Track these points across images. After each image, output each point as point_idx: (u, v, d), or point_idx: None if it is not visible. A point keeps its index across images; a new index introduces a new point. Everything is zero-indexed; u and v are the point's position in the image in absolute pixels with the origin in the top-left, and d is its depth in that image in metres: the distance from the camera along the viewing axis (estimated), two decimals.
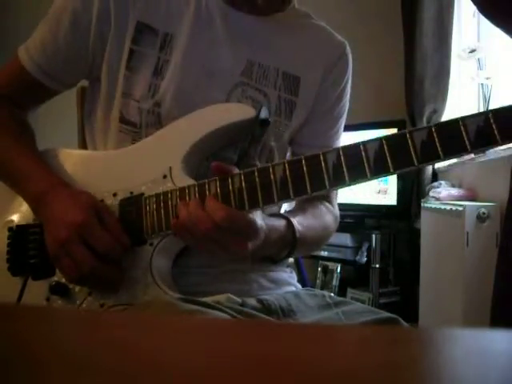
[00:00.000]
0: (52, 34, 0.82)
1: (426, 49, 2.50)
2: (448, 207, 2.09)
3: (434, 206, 2.23)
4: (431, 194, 2.33)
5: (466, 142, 0.60)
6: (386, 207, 2.67)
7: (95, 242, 0.71)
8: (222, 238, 0.66)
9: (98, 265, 0.71)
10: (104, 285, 0.75)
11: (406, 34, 2.59)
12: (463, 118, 0.61)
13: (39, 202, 0.77)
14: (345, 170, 0.65)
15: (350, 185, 0.65)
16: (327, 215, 0.92)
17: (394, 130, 2.67)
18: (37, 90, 0.86)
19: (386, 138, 0.64)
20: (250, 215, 0.68)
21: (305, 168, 0.67)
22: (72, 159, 0.85)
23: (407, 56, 2.59)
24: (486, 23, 2.32)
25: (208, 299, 0.69)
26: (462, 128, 0.61)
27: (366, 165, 0.64)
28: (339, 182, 0.65)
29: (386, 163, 0.63)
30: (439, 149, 0.61)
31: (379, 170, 0.64)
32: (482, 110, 2.50)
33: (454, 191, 2.25)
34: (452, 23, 2.51)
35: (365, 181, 0.65)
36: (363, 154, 0.64)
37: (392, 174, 0.64)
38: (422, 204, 2.35)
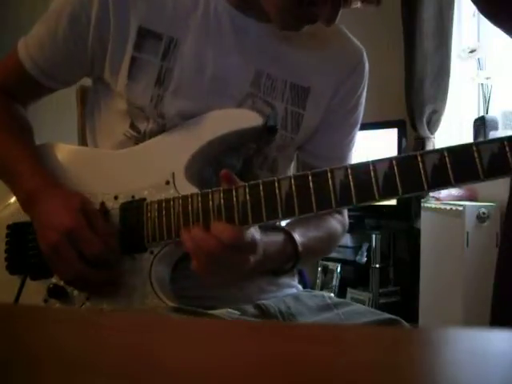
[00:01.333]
0: (50, 33, 0.81)
1: (426, 49, 2.49)
2: (448, 207, 2.09)
3: (434, 205, 2.23)
4: (431, 193, 2.33)
5: (480, 171, 0.58)
6: (385, 207, 2.66)
7: (83, 245, 0.71)
8: (227, 257, 0.65)
9: (86, 269, 0.71)
10: (94, 288, 0.74)
11: (405, 34, 2.59)
12: (477, 144, 0.59)
13: (28, 200, 0.76)
14: (352, 190, 0.63)
15: (356, 205, 0.63)
16: (333, 222, 0.89)
17: (394, 130, 2.67)
18: (34, 86, 0.85)
19: (397, 158, 0.62)
20: (250, 229, 0.67)
21: (311, 184, 0.65)
22: (72, 156, 0.84)
23: (407, 56, 2.58)
24: (485, 23, 2.32)
25: (208, 312, 0.69)
26: (475, 154, 0.58)
27: (374, 186, 0.62)
28: (346, 201, 0.63)
29: (396, 186, 0.61)
30: (451, 176, 0.59)
31: (388, 193, 0.62)
32: (482, 109, 2.50)
33: (454, 191, 2.25)
34: (452, 23, 2.51)
35: (372, 202, 0.63)
36: (372, 174, 0.62)
37: (400, 196, 0.62)
38: (422, 204, 2.35)
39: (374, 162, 0.62)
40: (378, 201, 0.63)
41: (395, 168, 0.61)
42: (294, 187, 0.65)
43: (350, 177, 0.63)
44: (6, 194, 0.83)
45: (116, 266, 0.74)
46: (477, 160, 0.58)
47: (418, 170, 0.60)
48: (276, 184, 0.66)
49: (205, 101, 0.79)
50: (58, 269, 0.73)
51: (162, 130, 0.79)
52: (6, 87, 0.87)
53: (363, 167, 0.63)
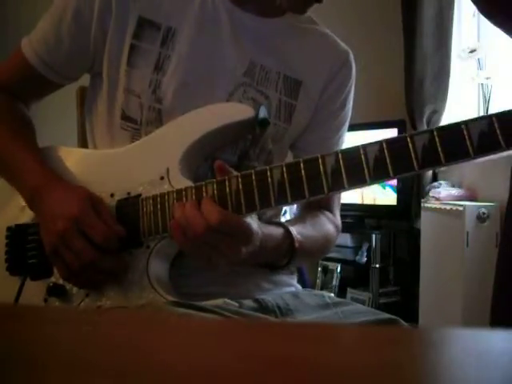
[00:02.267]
0: (54, 27, 0.82)
1: (426, 49, 2.50)
2: (448, 207, 2.09)
3: (434, 205, 2.23)
4: (431, 194, 2.33)
5: (469, 148, 0.58)
6: (385, 207, 2.67)
7: (93, 232, 0.72)
8: (216, 240, 0.66)
9: (98, 255, 0.72)
10: (96, 281, 0.75)
11: (405, 34, 2.59)
12: (466, 122, 0.59)
13: (34, 196, 0.77)
14: (344, 174, 0.63)
15: (348, 189, 0.64)
16: (328, 225, 0.90)
17: (394, 130, 2.67)
18: (39, 82, 0.86)
19: (387, 141, 0.62)
20: (247, 219, 0.68)
21: (303, 171, 0.65)
22: (71, 158, 0.85)
23: (407, 56, 2.58)
24: (486, 23, 2.32)
25: (205, 303, 0.69)
26: (464, 132, 0.59)
27: (365, 169, 0.62)
28: (338, 186, 0.64)
29: (386, 168, 0.62)
30: (441, 154, 0.59)
31: (379, 175, 0.62)
32: (482, 109, 2.50)
33: (454, 191, 2.25)
34: (452, 23, 2.51)
35: (364, 185, 0.63)
36: (363, 157, 0.63)
37: (392, 178, 0.63)
38: (421, 204, 2.35)
39: (365, 146, 0.63)
40: (370, 184, 0.63)
41: (385, 150, 0.62)
42: (286, 175, 0.66)
43: (341, 161, 0.64)
44: (6, 196, 0.83)
45: (121, 254, 0.74)
46: (466, 137, 0.59)
47: (408, 150, 0.61)
48: (268, 172, 0.67)
49: (200, 87, 0.81)
50: (64, 261, 0.73)
51: (158, 116, 0.80)
52: (10, 87, 0.88)
53: (353, 151, 0.64)
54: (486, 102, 2.42)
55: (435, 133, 0.60)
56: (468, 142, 0.59)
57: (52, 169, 0.81)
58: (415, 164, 0.61)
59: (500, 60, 2.41)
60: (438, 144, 0.60)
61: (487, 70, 2.42)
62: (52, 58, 0.84)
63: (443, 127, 0.61)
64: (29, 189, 0.78)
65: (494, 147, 0.58)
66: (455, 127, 0.60)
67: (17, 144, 0.82)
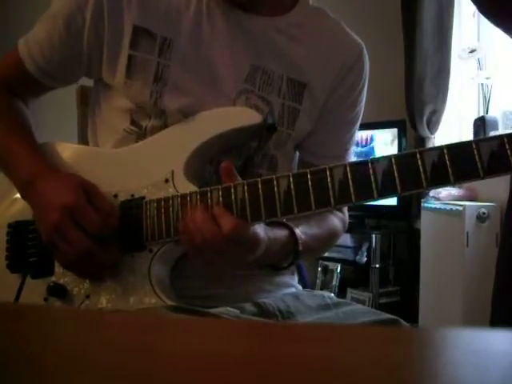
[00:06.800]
0: (48, 33, 0.82)
1: (426, 49, 2.49)
2: (448, 207, 2.10)
3: (433, 205, 2.23)
4: (431, 193, 2.33)
5: (479, 169, 0.58)
6: (386, 207, 2.66)
7: (86, 222, 0.71)
8: (224, 248, 0.66)
9: (93, 245, 0.71)
10: (96, 270, 0.75)
11: (405, 34, 2.59)
12: (477, 141, 0.58)
13: (27, 187, 0.77)
14: (351, 188, 0.63)
15: (354, 204, 0.63)
16: (334, 221, 0.89)
17: (394, 130, 2.67)
18: (34, 84, 0.86)
19: (396, 157, 0.61)
20: (255, 227, 0.67)
21: (310, 182, 0.64)
22: (73, 154, 0.85)
23: (407, 56, 2.58)
24: (486, 23, 2.32)
25: (206, 310, 0.69)
26: (475, 152, 0.58)
27: (373, 185, 0.62)
28: (345, 200, 0.63)
29: (394, 185, 0.61)
30: (450, 174, 0.59)
31: (387, 192, 0.62)
32: (482, 109, 2.50)
33: (454, 191, 2.25)
34: (452, 23, 2.51)
35: (371, 201, 0.63)
36: (371, 172, 0.62)
37: (399, 195, 0.62)
38: (422, 204, 2.35)
39: (373, 160, 0.62)
40: (377, 199, 0.62)
41: (394, 166, 0.61)
42: (292, 185, 0.65)
43: (349, 175, 0.63)
44: (6, 192, 0.83)
45: (118, 244, 0.74)
46: (476, 157, 0.58)
47: (417, 168, 0.60)
48: (274, 182, 0.66)
49: (201, 97, 0.79)
50: (60, 251, 0.73)
51: (163, 125, 0.79)
52: (8, 84, 0.88)
53: (362, 165, 0.63)
54: (486, 102, 2.43)
55: (445, 151, 0.59)
56: (478, 163, 0.58)
57: (49, 162, 0.81)
58: (424, 183, 0.60)
59: (500, 60, 2.41)
60: (447, 163, 0.59)
61: (487, 70, 2.42)
62: (46, 63, 0.83)
63: (453, 145, 0.60)
64: (22, 180, 0.78)
65: (505, 169, 0.57)
66: (465, 146, 0.59)
67: (13, 138, 0.82)
